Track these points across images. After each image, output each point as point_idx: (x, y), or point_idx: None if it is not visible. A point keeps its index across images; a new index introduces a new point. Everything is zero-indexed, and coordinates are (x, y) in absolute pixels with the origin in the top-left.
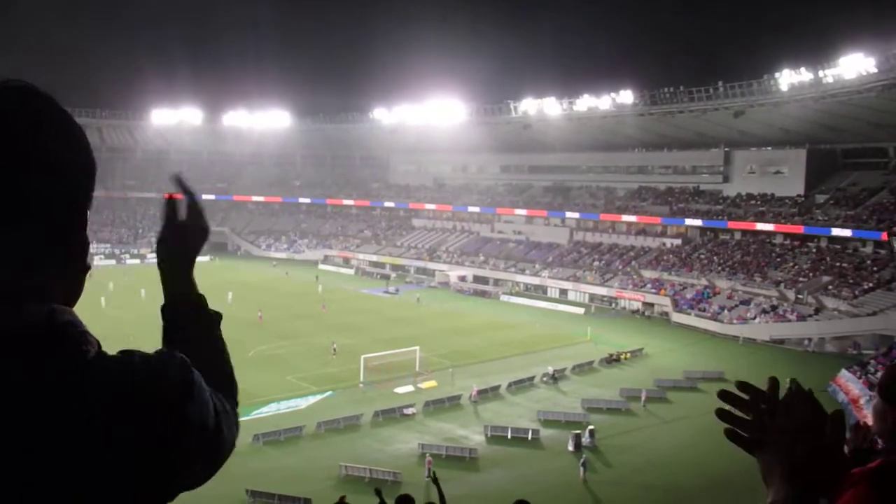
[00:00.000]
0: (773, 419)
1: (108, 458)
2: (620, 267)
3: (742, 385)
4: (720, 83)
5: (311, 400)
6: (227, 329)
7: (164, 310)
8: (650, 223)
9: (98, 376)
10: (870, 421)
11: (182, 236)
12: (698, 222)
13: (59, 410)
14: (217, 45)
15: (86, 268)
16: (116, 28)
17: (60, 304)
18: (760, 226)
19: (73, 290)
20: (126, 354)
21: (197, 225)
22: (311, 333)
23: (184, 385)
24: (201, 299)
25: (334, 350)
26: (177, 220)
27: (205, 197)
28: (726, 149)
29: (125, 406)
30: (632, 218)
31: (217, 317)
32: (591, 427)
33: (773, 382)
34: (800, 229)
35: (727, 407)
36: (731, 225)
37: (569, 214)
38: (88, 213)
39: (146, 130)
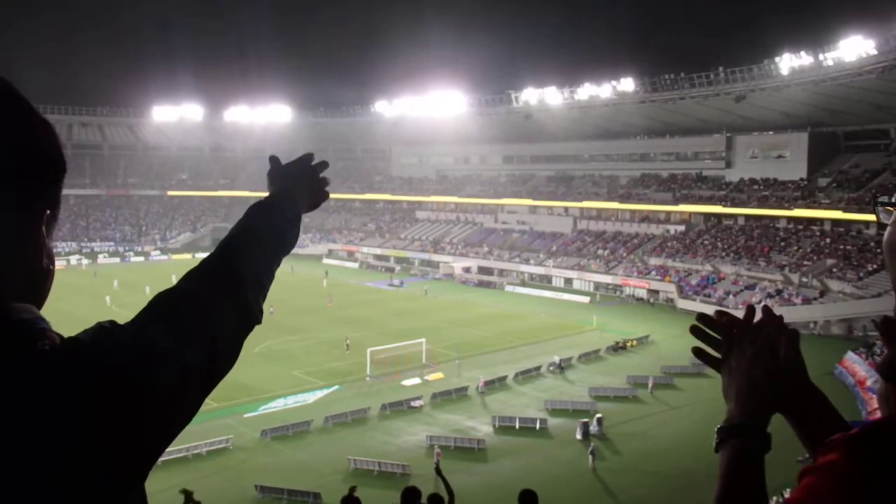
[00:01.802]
0: (740, 342)
1: (69, 447)
2: (625, 255)
3: (719, 313)
4: (721, 68)
5: (319, 394)
6: None
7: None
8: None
9: (52, 369)
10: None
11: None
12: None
13: (12, 407)
14: (217, 41)
15: (46, 271)
16: (116, 26)
17: (18, 304)
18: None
19: (35, 292)
20: (71, 343)
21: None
22: (317, 328)
23: (125, 364)
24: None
25: (347, 345)
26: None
27: (207, 193)
28: (728, 134)
29: (80, 395)
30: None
31: (290, 219)
32: (598, 415)
33: (750, 310)
34: (786, 213)
35: (702, 327)
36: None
37: (572, 203)
38: (51, 212)
39: (147, 128)
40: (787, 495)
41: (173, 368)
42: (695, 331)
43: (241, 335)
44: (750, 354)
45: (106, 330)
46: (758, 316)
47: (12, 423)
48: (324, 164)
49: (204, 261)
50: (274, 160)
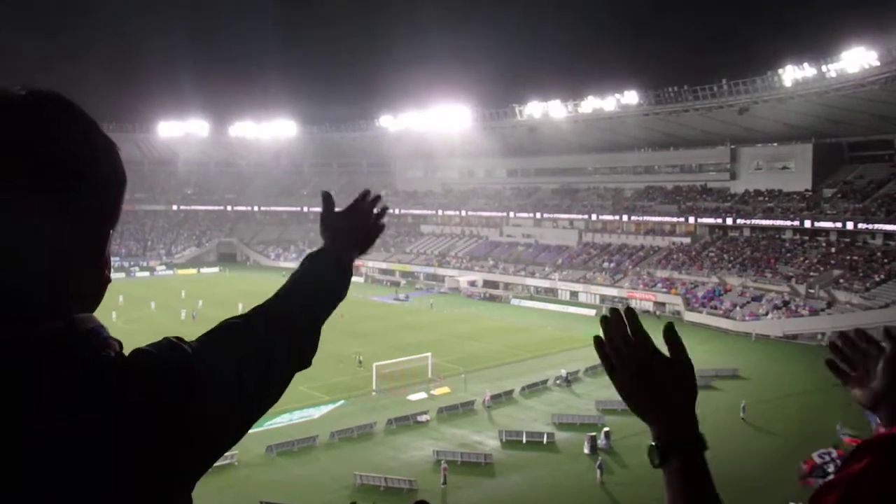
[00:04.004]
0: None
1: (129, 458)
2: (630, 267)
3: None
4: (724, 81)
5: (324, 409)
6: None
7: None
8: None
9: (115, 380)
10: None
11: (358, 227)
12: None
13: (79, 418)
14: (222, 56)
15: (107, 280)
16: (122, 41)
17: (82, 314)
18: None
19: (94, 301)
20: (135, 355)
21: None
22: (323, 343)
23: (187, 377)
24: (340, 265)
25: (360, 361)
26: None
27: (212, 208)
28: (732, 146)
29: (140, 407)
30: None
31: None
32: (606, 429)
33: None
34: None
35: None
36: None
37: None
38: (113, 229)
39: (153, 143)
40: None
41: (229, 393)
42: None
43: (290, 373)
44: (634, 372)
45: (173, 346)
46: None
47: (77, 428)
48: (376, 200)
49: (264, 303)
50: (326, 199)
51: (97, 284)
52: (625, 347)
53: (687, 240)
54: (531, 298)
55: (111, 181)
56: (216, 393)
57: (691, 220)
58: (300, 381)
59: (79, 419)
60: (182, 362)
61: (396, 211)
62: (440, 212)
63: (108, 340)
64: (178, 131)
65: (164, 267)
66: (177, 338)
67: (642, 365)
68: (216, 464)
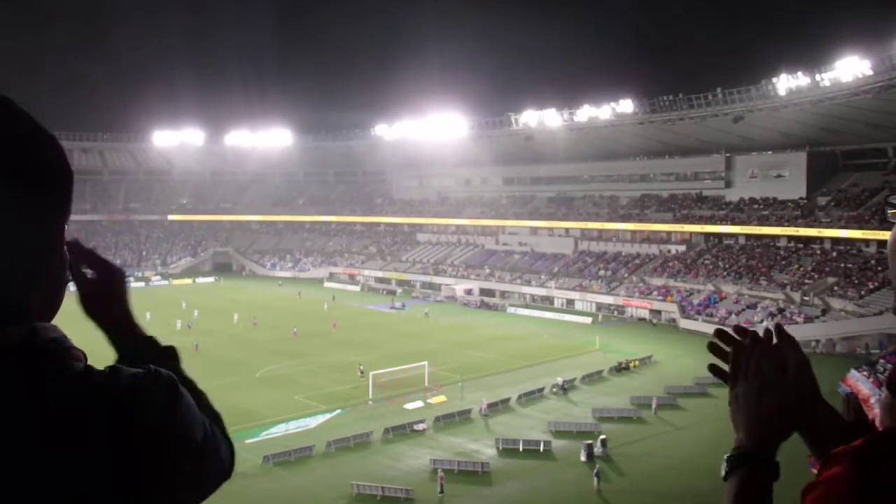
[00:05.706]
0: (747, 370)
1: (93, 473)
2: (626, 275)
3: (738, 329)
4: (719, 89)
5: (321, 419)
6: (233, 350)
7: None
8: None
9: (83, 391)
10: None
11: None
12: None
13: (43, 428)
14: (218, 66)
15: (65, 282)
16: (116, 52)
17: (41, 321)
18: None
19: (53, 305)
20: (113, 370)
21: (108, 270)
22: (319, 352)
23: (171, 400)
24: (154, 343)
25: (361, 371)
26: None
27: (208, 217)
28: (727, 154)
29: (110, 420)
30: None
31: (172, 352)
32: (602, 436)
33: (754, 337)
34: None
35: (720, 344)
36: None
37: (573, 224)
38: (66, 226)
39: (148, 152)
40: None
41: (202, 426)
42: (712, 347)
43: (227, 470)
44: (758, 385)
45: (149, 370)
46: (767, 338)
47: (41, 443)
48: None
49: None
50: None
51: (56, 287)
52: (758, 363)
53: (682, 248)
54: (527, 307)
55: (57, 173)
56: (193, 427)
57: (686, 227)
58: (296, 391)
59: (46, 438)
60: (171, 384)
61: (392, 219)
62: (436, 220)
63: (71, 351)
64: (173, 140)
65: (159, 277)
66: (154, 368)
67: (766, 383)
68: None
